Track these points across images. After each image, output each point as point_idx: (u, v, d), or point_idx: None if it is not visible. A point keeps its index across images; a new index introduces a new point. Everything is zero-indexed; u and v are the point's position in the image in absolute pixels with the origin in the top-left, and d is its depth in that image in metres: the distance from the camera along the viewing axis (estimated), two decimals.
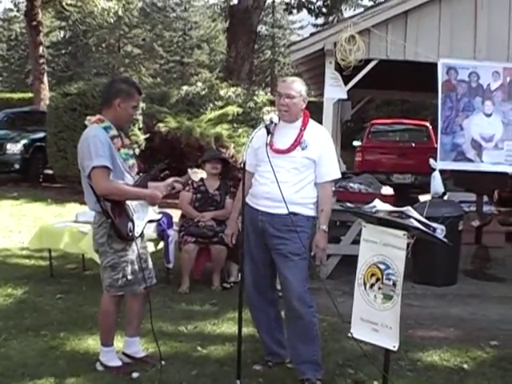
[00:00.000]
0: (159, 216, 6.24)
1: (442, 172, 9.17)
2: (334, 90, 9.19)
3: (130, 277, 5.57)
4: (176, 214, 9.15)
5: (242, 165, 5.52)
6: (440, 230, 7.30)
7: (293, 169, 5.59)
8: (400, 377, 5.78)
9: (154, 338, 5.89)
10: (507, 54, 9.08)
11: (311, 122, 5.76)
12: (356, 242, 9.07)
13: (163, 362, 5.78)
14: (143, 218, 5.67)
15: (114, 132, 5.52)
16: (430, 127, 18.70)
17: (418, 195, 15.64)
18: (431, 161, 9.14)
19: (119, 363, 5.78)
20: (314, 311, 5.68)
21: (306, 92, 5.76)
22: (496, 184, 11.51)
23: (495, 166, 9.17)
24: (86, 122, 5.69)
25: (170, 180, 6.01)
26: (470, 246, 10.33)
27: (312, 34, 9.68)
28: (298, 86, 5.69)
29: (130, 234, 5.48)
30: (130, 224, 5.47)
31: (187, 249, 8.62)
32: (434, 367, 6.13)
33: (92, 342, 6.44)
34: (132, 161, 5.70)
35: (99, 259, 5.73)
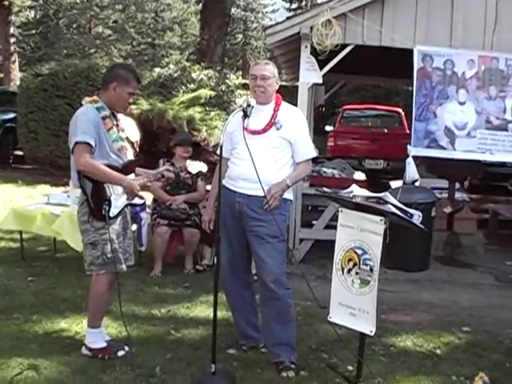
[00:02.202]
0: (141, 201, 6.21)
1: (414, 158, 9.20)
2: (310, 75, 9.18)
3: (109, 255, 5.54)
4: (149, 197, 9.10)
5: (219, 149, 5.49)
6: (417, 216, 7.31)
7: (269, 149, 5.58)
8: (374, 361, 5.78)
9: (124, 321, 5.90)
10: (483, 42, 9.10)
11: (284, 104, 5.79)
12: (329, 226, 9.11)
13: (126, 348, 5.76)
14: (122, 199, 5.64)
15: (106, 112, 5.58)
16: (403, 113, 18.73)
17: (390, 181, 15.70)
18: (408, 147, 9.16)
19: (104, 344, 5.73)
20: (291, 293, 5.69)
21: (277, 74, 5.80)
22: (468, 171, 11.56)
23: (468, 153, 9.22)
24: (83, 102, 5.77)
25: (162, 168, 6.08)
26: (442, 232, 10.37)
27: (288, 18, 9.66)
28: (271, 68, 5.75)
29: (105, 213, 5.46)
30: (105, 204, 5.47)
31: (160, 232, 8.58)
32: (408, 352, 6.15)
33: (65, 326, 6.41)
34: (121, 143, 5.69)
35: (81, 237, 5.68)
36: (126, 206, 5.72)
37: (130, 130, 6.16)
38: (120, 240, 5.68)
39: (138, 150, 6.10)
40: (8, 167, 18.64)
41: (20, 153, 18.59)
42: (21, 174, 17.53)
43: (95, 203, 5.47)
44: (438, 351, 6.20)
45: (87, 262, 5.65)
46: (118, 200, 5.58)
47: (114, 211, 5.54)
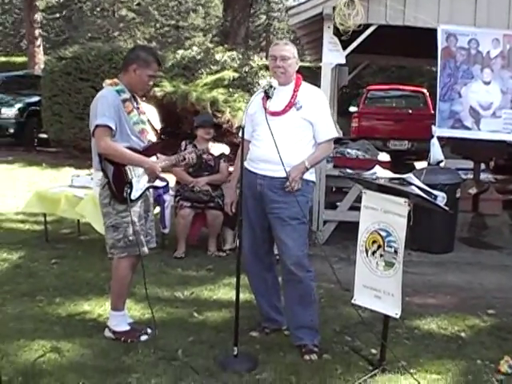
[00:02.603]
0: (163, 183, 6.18)
1: (439, 139, 9.12)
2: (333, 55, 9.11)
3: (131, 237, 5.54)
4: (172, 179, 9.08)
5: (241, 132, 5.46)
6: (441, 198, 7.27)
7: (290, 129, 5.53)
8: (398, 344, 5.74)
9: (150, 303, 5.90)
10: (507, 20, 8.94)
11: (304, 84, 5.71)
12: (353, 208, 9.06)
13: (149, 331, 5.78)
14: (143, 182, 5.62)
15: (126, 95, 5.56)
16: (427, 94, 18.58)
17: (414, 162, 15.61)
18: (433, 128, 9.07)
19: (127, 328, 5.74)
20: (313, 275, 5.64)
21: (297, 54, 5.73)
22: (493, 152, 11.43)
23: (493, 134, 9.10)
24: (103, 84, 5.69)
25: (184, 152, 6.01)
26: (467, 213, 10.30)
27: None
28: (291, 48, 5.68)
29: (126, 196, 5.45)
30: (127, 187, 5.46)
31: (183, 214, 8.57)
32: (432, 335, 6.10)
33: (87, 308, 6.44)
34: (142, 126, 5.67)
35: (103, 219, 5.69)
36: (147, 188, 5.70)
37: (152, 118, 6.13)
38: (142, 222, 5.67)
39: (159, 136, 6.07)
40: (33, 150, 18.66)
41: (44, 136, 18.65)
42: (45, 157, 17.60)
43: (117, 186, 5.45)
44: (463, 334, 6.14)
45: (109, 245, 5.65)
46: (139, 182, 5.57)
47: (135, 194, 5.53)
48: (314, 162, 5.68)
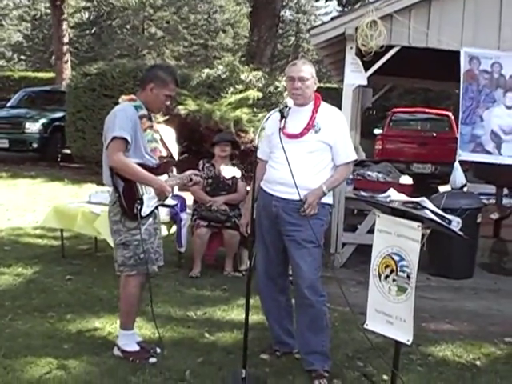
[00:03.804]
0: (174, 202, 6.13)
1: (461, 163, 9.02)
2: (354, 76, 9.04)
3: (141, 255, 5.49)
4: (189, 198, 9.03)
5: (255, 152, 5.40)
6: (456, 223, 7.15)
7: (307, 153, 5.45)
8: (410, 371, 5.64)
9: (156, 324, 5.87)
10: None
11: (323, 105, 5.62)
12: (372, 231, 8.92)
13: (158, 350, 5.73)
14: (154, 200, 5.57)
15: (143, 112, 5.55)
16: (452, 117, 18.49)
17: (438, 185, 15.48)
18: (458, 151, 8.98)
19: (137, 348, 5.68)
20: (325, 300, 5.56)
21: (315, 73, 5.63)
22: None
23: None
24: (120, 100, 5.69)
25: (189, 172, 5.94)
26: (488, 238, 10.14)
27: (333, 19, 9.53)
28: (308, 68, 5.57)
29: (136, 212, 5.40)
30: (137, 203, 5.42)
31: (199, 233, 8.52)
32: (446, 362, 5.99)
33: (98, 325, 6.39)
34: (155, 144, 5.65)
35: (112, 237, 5.66)
36: (157, 206, 5.65)
37: (169, 140, 6.09)
38: (151, 240, 5.62)
39: (173, 157, 6.03)
40: (56, 165, 18.80)
41: (68, 151, 18.75)
42: (68, 173, 17.69)
43: (127, 202, 5.42)
44: (478, 362, 6.02)
45: (118, 263, 5.61)
46: (150, 200, 5.52)
47: (145, 210, 5.48)
48: (332, 186, 5.61)
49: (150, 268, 5.58)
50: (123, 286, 5.65)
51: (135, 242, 5.49)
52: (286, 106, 5.34)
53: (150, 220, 5.60)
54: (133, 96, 5.66)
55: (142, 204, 5.45)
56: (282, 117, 5.36)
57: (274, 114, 5.39)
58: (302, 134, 5.46)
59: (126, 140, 5.34)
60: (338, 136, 5.55)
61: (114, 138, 5.33)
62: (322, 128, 5.48)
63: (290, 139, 5.44)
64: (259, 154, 5.70)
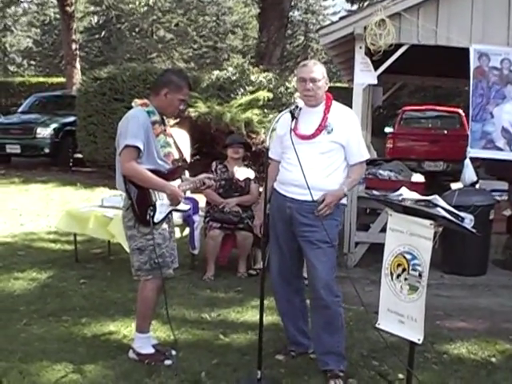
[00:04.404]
0: (187, 207, 6.13)
1: (473, 160, 9.00)
2: (364, 75, 9.04)
3: (156, 260, 5.50)
4: (202, 200, 9.05)
5: (266, 153, 5.38)
6: (468, 220, 7.15)
7: (320, 154, 5.44)
8: (425, 370, 5.63)
9: (171, 326, 5.88)
10: None
11: (335, 105, 5.60)
12: (385, 230, 8.91)
13: (173, 352, 5.73)
14: (167, 205, 5.58)
15: (156, 117, 5.53)
16: (463, 114, 18.42)
17: (450, 183, 15.43)
18: (468, 148, 8.96)
19: (152, 350, 5.69)
20: (340, 301, 5.55)
21: (326, 73, 5.63)
22: None
23: None
24: (133, 104, 5.68)
25: (202, 176, 5.92)
26: (501, 235, 10.11)
27: (341, 18, 9.53)
28: (320, 69, 5.55)
29: (149, 219, 5.41)
30: (150, 209, 5.43)
31: (212, 235, 8.52)
32: (461, 360, 5.97)
33: (113, 329, 6.41)
34: (168, 149, 5.63)
35: (128, 242, 5.69)
36: (170, 211, 5.66)
37: (182, 143, 6.09)
38: (166, 244, 5.63)
39: (186, 160, 6.04)
40: (68, 170, 18.87)
41: (80, 156, 18.83)
42: (80, 177, 17.74)
43: (140, 208, 5.44)
44: (493, 359, 6.00)
45: (134, 268, 5.64)
46: (163, 206, 5.53)
47: (158, 216, 5.49)
48: (351, 186, 5.64)
49: (165, 272, 5.59)
50: (140, 289, 5.69)
51: (150, 247, 5.50)
52: (297, 107, 5.34)
53: (164, 225, 5.62)
54: (146, 101, 5.64)
55: (154, 210, 5.46)
56: (293, 117, 5.36)
57: (286, 115, 5.39)
58: (314, 136, 5.45)
59: (138, 148, 5.35)
60: (351, 135, 5.54)
61: (127, 146, 5.34)
62: (334, 128, 5.46)
63: (302, 140, 5.44)
64: (271, 155, 5.70)
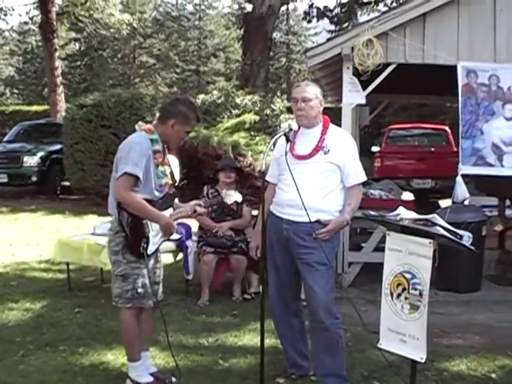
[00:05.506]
0: (178, 236, 6.10)
1: (463, 176, 9.02)
2: (353, 96, 9.07)
3: (140, 290, 5.44)
4: (194, 224, 9.03)
5: (262, 176, 5.39)
6: (467, 238, 7.16)
7: (316, 174, 5.46)
8: None
9: (172, 352, 5.81)
10: None
11: (332, 127, 5.65)
12: (378, 249, 8.95)
13: (174, 379, 5.71)
14: (159, 237, 5.55)
15: (158, 147, 5.45)
16: (449, 131, 18.54)
17: (439, 200, 15.49)
18: (459, 165, 8.99)
19: (150, 379, 5.64)
20: (340, 323, 5.54)
21: (321, 94, 5.65)
22: None
23: None
24: (136, 127, 5.58)
25: (193, 203, 5.86)
26: (493, 251, 10.16)
27: (329, 40, 9.57)
28: (312, 89, 5.59)
29: (143, 251, 5.37)
30: (143, 241, 5.38)
31: (206, 260, 8.50)
32: (461, 377, 5.97)
33: (111, 357, 6.36)
34: (165, 180, 5.56)
35: (112, 267, 5.59)
36: (162, 242, 5.62)
37: (174, 169, 6.08)
38: (150, 275, 5.54)
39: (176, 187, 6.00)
40: (56, 198, 18.80)
41: (67, 183, 18.77)
42: (68, 205, 17.67)
43: (134, 239, 5.36)
44: (493, 375, 6.00)
45: (114, 294, 5.54)
46: (155, 237, 5.48)
47: (151, 248, 5.44)
48: (353, 214, 5.64)
49: (145, 303, 5.54)
50: (120, 317, 5.62)
51: (134, 276, 5.43)
52: (291, 129, 5.36)
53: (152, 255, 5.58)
54: (151, 127, 5.52)
55: (148, 242, 5.41)
56: (288, 140, 5.37)
57: (281, 138, 5.40)
58: (311, 155, 5.48)
59: (137, 177, 5.28)
60: (348, 157, 5.57)
61: (126, 173, 5.25)
62: (331, 149, 5.49)
63: (299, 160, 5.47)
64: (268, 178, 5.73)
